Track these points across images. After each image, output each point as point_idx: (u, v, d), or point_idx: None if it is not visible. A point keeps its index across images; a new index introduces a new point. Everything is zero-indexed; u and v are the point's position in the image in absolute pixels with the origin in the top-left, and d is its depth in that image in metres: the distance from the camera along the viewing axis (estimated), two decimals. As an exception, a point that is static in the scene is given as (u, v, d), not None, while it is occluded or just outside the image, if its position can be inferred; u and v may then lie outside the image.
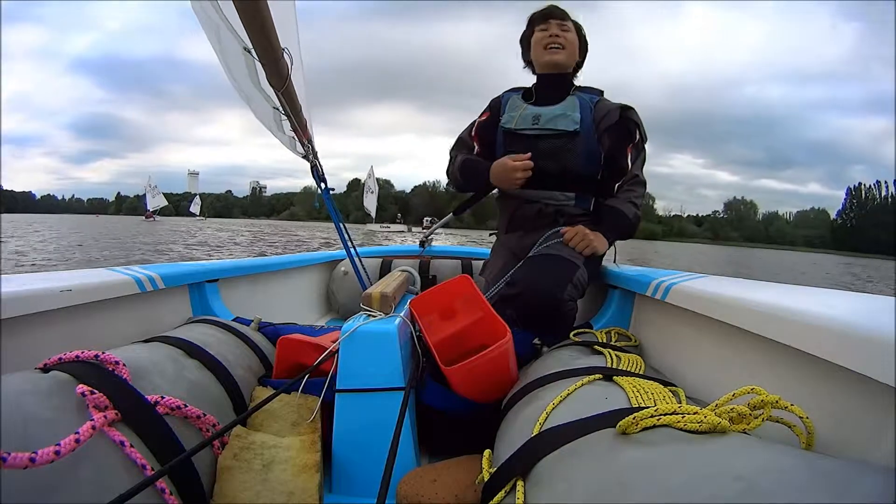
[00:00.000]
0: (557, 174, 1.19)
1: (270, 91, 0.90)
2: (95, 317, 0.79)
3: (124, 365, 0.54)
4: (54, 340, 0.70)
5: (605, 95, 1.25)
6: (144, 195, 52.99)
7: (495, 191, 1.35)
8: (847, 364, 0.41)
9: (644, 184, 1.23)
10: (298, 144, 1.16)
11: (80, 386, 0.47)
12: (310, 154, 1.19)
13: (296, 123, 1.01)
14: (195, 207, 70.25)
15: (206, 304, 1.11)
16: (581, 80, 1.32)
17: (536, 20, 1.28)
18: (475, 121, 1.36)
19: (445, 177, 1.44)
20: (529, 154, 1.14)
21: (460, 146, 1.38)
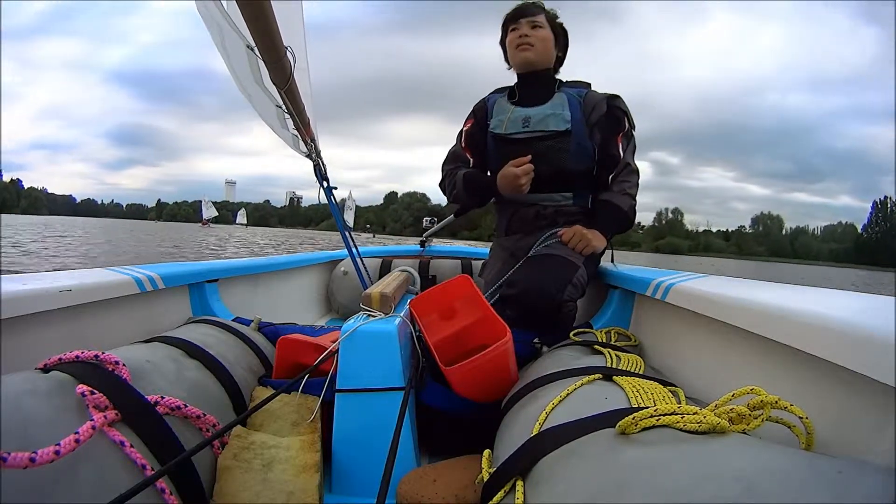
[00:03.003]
0: (552, 175, 1.17)
1: (273, 89, 0.90)
2: (95, 317, 0.78)
3: (124, 365, 0.54)
4: (54, 340, 0.70)
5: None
6: (200, 207, 73.10)
7: None
8: (847, 364, 0.41)
9: (637, 172, 1.21)
10: (301, 143, 1.16)
11: (80, 386, 0.47)
12: (312, 153, 1.19)
13: (298, 122, 1.01)
14: (241, 218, 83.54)
15: (206, 304, 1.11)
16: (568, 75, 1.29)
17: (509, 20, 1.25)
18: (461, 130, 1.33)
19: (440, 191, 1.38)
20: (529, 157, 1.12)
21: (454, 160, 1.34)
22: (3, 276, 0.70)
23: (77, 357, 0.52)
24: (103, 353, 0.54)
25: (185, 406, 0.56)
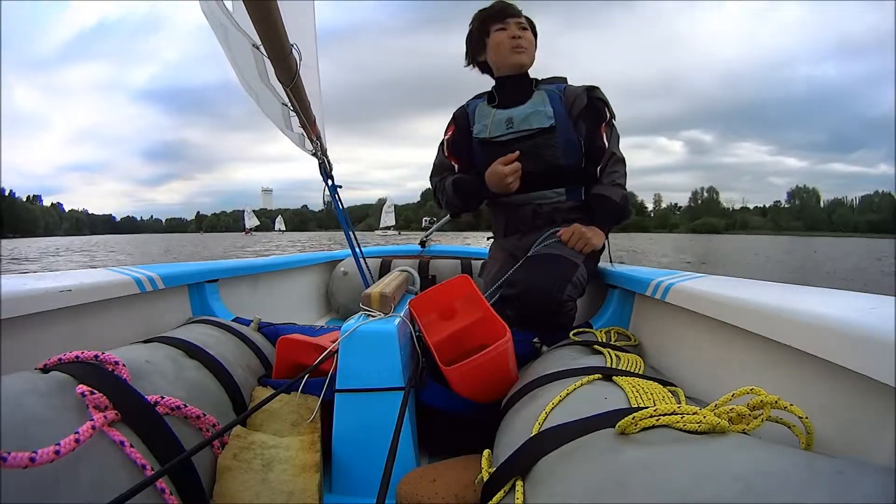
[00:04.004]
0: (542, 173, 1.17)
1: (279, 87, 0.90)
2: (95, 317, 0.79)
3: (124, 365, 0.54)
4: (54, 340, 0.70)
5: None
6: (242, 216, 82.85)
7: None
8: (847, 364, 0.41)
9: (623, 161, 1.21)
10: (307, 142, 1.16)
11: (80, 386, 0.47)
12: (318, 151, 1.19)
13: (304, 120, 1.01)
14: (279, 224, 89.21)
15: (205, 304, 1.11)
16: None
17: (493, 19, 1.22)
18: (443, 140, 1.33)
19: (436, 204, 1.39)
20: (517, 153, 1.12)
21: (441, 171, 1.34)
22: (3, 276, 0.70)
23: (77, 357, 0.52)
24: (103, 353, 0.54)
25: (185, 406, 0.56)
